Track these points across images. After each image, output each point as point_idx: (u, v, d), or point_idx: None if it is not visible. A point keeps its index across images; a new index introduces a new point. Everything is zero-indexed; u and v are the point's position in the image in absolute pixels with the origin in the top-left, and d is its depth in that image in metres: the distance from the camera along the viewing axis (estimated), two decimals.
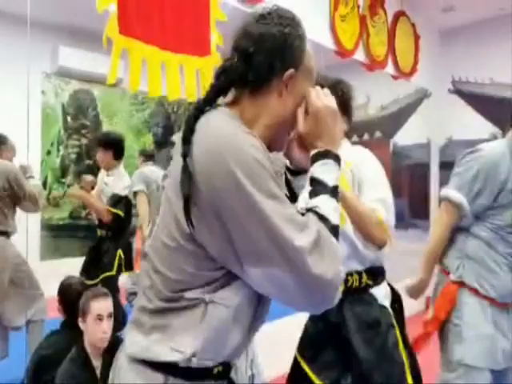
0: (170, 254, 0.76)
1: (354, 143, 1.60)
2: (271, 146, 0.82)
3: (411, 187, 5.09)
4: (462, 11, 4.22)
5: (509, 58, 4.25)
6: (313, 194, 0.76)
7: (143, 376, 0.76)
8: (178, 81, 2.22)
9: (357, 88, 5.32)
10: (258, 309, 0.81)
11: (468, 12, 4.24)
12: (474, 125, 4.50)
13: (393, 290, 1.59)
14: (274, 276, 0.69)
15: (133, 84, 2.05)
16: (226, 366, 0.81)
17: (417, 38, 4.12)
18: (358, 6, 3.42)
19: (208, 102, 0.79)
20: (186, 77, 2.26)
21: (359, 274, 1.48)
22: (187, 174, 0.71)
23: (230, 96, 0.83)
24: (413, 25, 4.07)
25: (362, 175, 1.42)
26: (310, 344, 1.56)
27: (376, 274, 1.52)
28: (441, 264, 1.73)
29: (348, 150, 1.44)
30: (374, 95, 4.97)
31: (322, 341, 1.54)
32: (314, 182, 0.77)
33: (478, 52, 4.48)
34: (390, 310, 1.50)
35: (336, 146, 0.81)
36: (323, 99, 0.81)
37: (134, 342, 0.79)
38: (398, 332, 1.46)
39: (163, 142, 6.32)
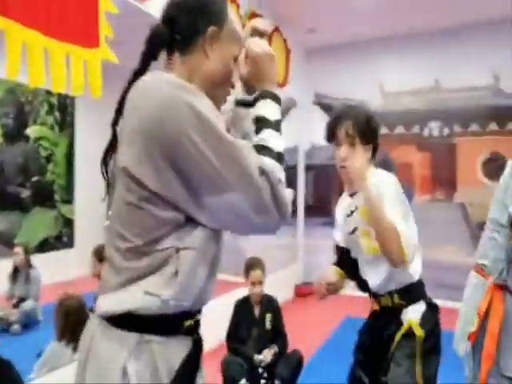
0: (133, 214, 0.80)
1: None
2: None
3: None
4: (323, 34, 4.79)
5: (362, 77, 5.01)
6: (258, 130, 0.84)
7: (118, 339, 0.79)
8: (64, 71, 2.02)
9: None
10: (219, 250, 0.88)
11: (328, 35, 4.83)
12: None
13: (432, 306, 1.51)
14: (230, 202, 0.76)
15: (11, 71, 1.79)
16: (196, 322, 0.87)
17: (288, 52, 4.52)
18: (241, 17, 3.60)
19: (140, 70, 0.84)
20: (72, 68, 2.07)
21: (390, 294, 1.49)
22: (113, 140, 0.83)
23: (162, 64, 0.89)
24: (284, 40, 4.45)
25: (382, 193, 1.39)
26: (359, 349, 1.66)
27: (409, 293, 1.48)
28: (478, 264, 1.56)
29: (373, 175, 1.45)
30: None
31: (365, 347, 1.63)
32: (258, 119, 0.85)
33: (335, 70, 5.15)
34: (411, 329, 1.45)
35: (274, 86, 0.90)
36: (261, 46, 0.90)
37: (108, 300, 0.81)
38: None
39: (15, 136, 5.53)
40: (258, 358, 2.41)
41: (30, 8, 1.88)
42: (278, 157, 0.81)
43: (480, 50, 4.54)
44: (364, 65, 5.04)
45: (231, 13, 0.91)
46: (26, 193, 5.41)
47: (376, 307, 1.56)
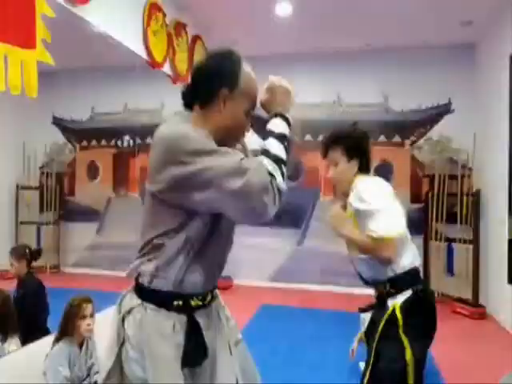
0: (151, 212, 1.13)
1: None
2: None
3: None
4: (244, 46, 5.16)
5: None
6: (265, 139, 1.04)
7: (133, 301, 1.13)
8: (3, 71, 2.07)
9: (154, 95, 5.77)
10: (209, 244, 1.12)
11: (251, 47, 5.21)
12: None
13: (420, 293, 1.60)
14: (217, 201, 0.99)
15: None
16: (186, 302, 1.11)
17: None
18: (166, 25, 3.79)
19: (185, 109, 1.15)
20: (10, 68, 2.12)
21: (383, 283, 1.64)
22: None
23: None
24: (206, 48, 4.72)
25: (356, 209, 1.62)
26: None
27: (398, 282, 1.61)
28: None
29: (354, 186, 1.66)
30: (168, 102, 5.58)
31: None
32: (266, 132, 1.05)
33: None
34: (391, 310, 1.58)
35: (285, 111, 1.09)
36: (280, 81, 1.13)
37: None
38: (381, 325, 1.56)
39: None
40: None
41: None
42: (275, 158, 0.99)
43: (374, 73, 5.44)
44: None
45: (248, 70, 1.12)
46: None
47: (375, 294, 1.73)
